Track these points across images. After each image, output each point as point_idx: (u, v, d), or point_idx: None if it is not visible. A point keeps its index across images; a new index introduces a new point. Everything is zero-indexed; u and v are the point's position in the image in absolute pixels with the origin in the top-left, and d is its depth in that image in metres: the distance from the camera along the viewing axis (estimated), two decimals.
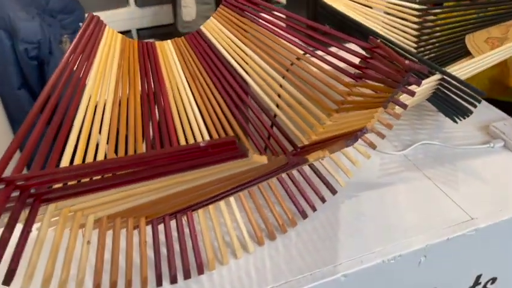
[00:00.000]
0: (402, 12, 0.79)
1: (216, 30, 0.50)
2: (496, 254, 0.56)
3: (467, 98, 0.54)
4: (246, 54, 0.50)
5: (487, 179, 0.57)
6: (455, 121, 0.62)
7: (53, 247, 0.34)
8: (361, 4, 0.77)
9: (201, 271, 0.44)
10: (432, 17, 0.79)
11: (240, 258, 0.47)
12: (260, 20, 0.51)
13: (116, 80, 0.41)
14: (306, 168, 0.54)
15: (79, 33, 0.40)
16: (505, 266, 0.59)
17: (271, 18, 0.50)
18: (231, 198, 0.47)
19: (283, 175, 0.51)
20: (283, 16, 0.53)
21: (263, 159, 0.27)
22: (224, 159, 0.26)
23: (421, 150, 0.63)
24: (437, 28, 0.78)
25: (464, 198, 0.54)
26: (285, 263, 0.46)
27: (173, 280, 0.42)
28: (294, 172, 0.53)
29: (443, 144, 0.63)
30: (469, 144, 0.63)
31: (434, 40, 0.78)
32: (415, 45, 0.79)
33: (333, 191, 0.53)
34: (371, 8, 0.78)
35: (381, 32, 0.75)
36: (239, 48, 0.50)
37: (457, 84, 0.54)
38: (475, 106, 0.54)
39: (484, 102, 0.74)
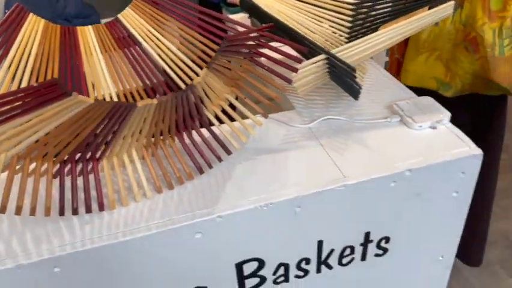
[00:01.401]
0: (336, 6, 0.88)
1: (133, 19, 0.61)
2: (378, 213, 0.64)
3: (349, 75, 0.63)
4: (155, 37, 0.61)
5: (372, 147, 0.65)
6: (355, 98, 0.71)
7: None
8: None
9: (101, 208, 0.55)
10: (364, 10, 0.87)
11: (139, 201, 0.57)
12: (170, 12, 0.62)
13: (36, 55, 0.53)
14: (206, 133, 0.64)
15: (3, 18, 0.52)
16: (394, 226, 0.67)
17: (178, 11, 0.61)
18: (133, 153, 0.58)
19: (185, 138, 0.61)
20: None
21: (89, 100, 0.37)
22: (55, 96, 0.36)
23: (326, 124, 0.71)
24: (368, 19, 0.86)
25: (345, 161, 0.62)
26: (175, 206, 0.56)
27: (75, 212, 0.53)
28: (196, 137, 0.63)
29: (345, 119, 0.71)
30: (370, 119, 0.71)
31: (364, 30, 0.86)
32: (347, 36, 0.87)
33: (228, 152, 0.63)
34: (305, 2, 0.87)
35: (311, 23, 0.83)
36: (151, 34, 0.61)
37: (338, 63, 0.62)
38: (355, 82, 0.63)
39: (399, 84, 0.82)
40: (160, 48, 0.60)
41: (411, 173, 0.61)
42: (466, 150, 0.63)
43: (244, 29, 0.54)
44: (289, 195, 0.57)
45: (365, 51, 0.67)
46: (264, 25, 0.57)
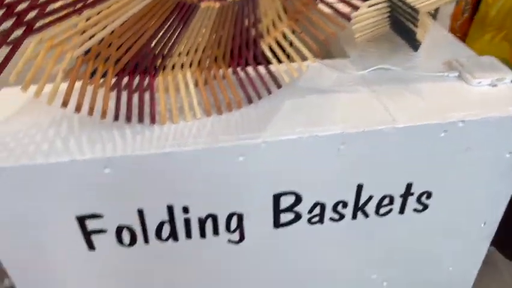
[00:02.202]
0: None
1: None
2: (424, 164, 0.62)
3: (411, 18, 0.61)
4: None
5: (426, 97, 0.63)
6: (415, 49, 0.69)
7: (35, 65, 0.49)
8: None
9: (153, 121, 0.58)
10: None
11: (189, 121, 0.59)
12: None
13: None
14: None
15: None
16: (438, 182, 0.65)
17: None
18: (188, 76, 0.60)
19: (239, 70, 0.62)
20: None
21: None
22: None
23: (379, 73, 0.70)
24: None
25: (396, 107, 0.61)
26: (222, 128, 0.58)
27: (128, 119, 0.56)
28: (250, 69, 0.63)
29: (400, 70, 0.70)
30: (427, 72, 0.69)
31: None
32: None
33: (278, 86, 0.63)
34: None
35: None
36: None
37: (400, 4, 0.61)
38: (416, 26, 0.61)
39: (460, 43, 0.78)
40: None
41: (464, 125, 0.59)
42: None
43: None
44: (335, 130, 0.57)
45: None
46: None
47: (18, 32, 0.47)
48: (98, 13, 0.45)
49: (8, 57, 0.46)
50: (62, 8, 0.46)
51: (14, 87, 0.65)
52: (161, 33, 0.48)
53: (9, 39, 0.46)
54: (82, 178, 0.54)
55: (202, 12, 0.47)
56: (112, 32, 0.47)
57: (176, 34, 0.50)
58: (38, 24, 0.48)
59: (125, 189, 0.56)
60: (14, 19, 0.47)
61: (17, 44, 0.47)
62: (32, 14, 0.47)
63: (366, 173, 0.62)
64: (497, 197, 0.69)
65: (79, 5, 0.43)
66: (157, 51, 0.53)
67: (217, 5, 0.46)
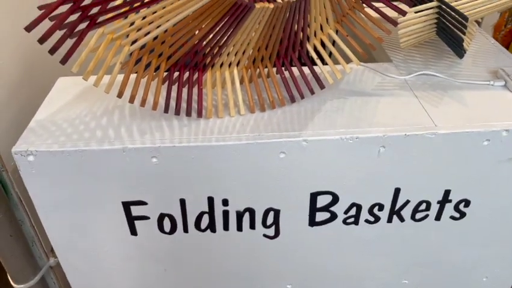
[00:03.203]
0: None
1: None
2: (464, 172, 0.62)
3: (459, 25, 0.61)
4: None
5: (470, 105, 0.63)
6: (460, 56, 0.68)
7: (96, 56, 0.52)
8: None
9: (200, 114, 0.60)
10: None
11: (233, 116, 0.61)
12: None
13: None
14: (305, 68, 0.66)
15: None
16: (478, 190, 0.65)
17: None
18: (235, 73, 0.62)
19: (283, 70, 0.64)
20: None
21: None
22: None
23: (422, 79, 0.70)
24: None
25: (439, 113, 0.61)
26: (264, 125, 0.60)
27: (177, 112, 0.59)
28: (294, 69, 0.65)
29: (444, 77, 0.69)
30: (471, 80, 0.69)
31: None
32: None
33: (322, 86, 0.64)
34: None
35: None
36: None
37: (450, 11, 0.61)
38: (464, 33, 0.61)
39: (507, 52, 0.77)
40: None
41: (508, 134, 0.58)
42: None
43: None
44: (377, 132, 0.58)
45: (479, 6, 0.64)
46: None
47: (82, 26, 0.51)
48: (154, 12, 0.48)
49: (73, 48, 0.49)
50: (121, 5, 0.49)
51: (71, 76, 0.69)
52: (213, 34, 0.51)
53: (74, 31, 0.50)
54: (131, 165, 0.57)
55: (256, 12, 0.49)
56: (166, 30, 0.50)
57: (228, 34, 0.52)
58: (100, 19, 0.51)
59: (170, 179, 0.59)
60: (78, 14, 0.50)
61: (81, 36, 0.50)
62: (94, 10, 0.50)
63: (405, 177, 0.62)
64: None
65: (137, 4, 0.46)
66: (207, 50, 0.55)
67: (271, 6, 0.48)
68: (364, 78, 0.71)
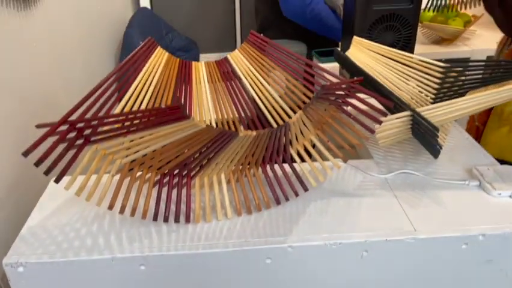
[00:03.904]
0: (426, 67, 0.91)
1: (238, 59, 0.70)
2: (445, 274, 0.64)
3: (432, 134, 0.65)
4: (258, 80, 0.69)
5: (447, 206, 0.66)
6: (435, 156, 0.72)
7: (90, 171, 0.55)
8: (385, 57, 0.91)
9: (187, 220, 0.62)
10: (454, 74, 0.90)
11: (220, 220, 0.63)
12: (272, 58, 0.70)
13: (157, 82, 0.62)
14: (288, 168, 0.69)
15: (137, 49, 0.63)
16: None
17: (281, 57, 0.68)
18: (222, 176, 0.65)
19: (268, 170, 0.67)
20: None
21: (202, 125, 0.44)
22: (176, 118, 0.44)
23: (402, 177, 0.73)
24: (457, 83, 0.88)
25: (418, 216, 0.64)
26: (251, 229, 0.62)
27: (166, 219, 0.61)
28: (278, 170, 0.68)
29: (422, 175, 0.73)
30: (448, 179, 0.72)
31: (451, 93, 0.88)
32: (433, 96, 0.89)
33: (305, 188, 0.67)
34: (395, 60, 0.91)
35: (399, 81, 0.87)
36: (253, 74, 0.69)
37: (422, 122, 0.65)
38: (436, 141, 0.65)
39: (481, 149, 0.82)
40: (259, 89, 0.68)
41: (485, 238, 0.61)
42: None
43: (338, 80, 0.60)
44: (359, 238, 0.60)
45: (450, 114, 0.69)
46: (355, 78, 0.62)
47: (78, 142, 0.54)
48: (142, 137, 0.51)
49: (66, 167, 0.52)
50: (115, 128, 0.52)
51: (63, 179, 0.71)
52: (202, 150, 0.54)
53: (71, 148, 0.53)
54: (120, 273, 0.58)
55: (240, 139, 0.53)
56: (155, 150, 0.53)
57: (214, 153, 0.55)
58: (93, 138, 0.54)
59: (158, 285, 0.60)
60: (75, 133, 0.53)
61: (77, 152, 0.53)
62: (88, 131, 0.54)
63: (388, 279, 0.64)
64: None
65: (128, 129, 0.50)
66: (196, 163, 0.59)
67: (254, 133, 0.52)
68: (346, 176, 0.74)
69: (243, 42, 0.73)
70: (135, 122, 0.48)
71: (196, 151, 0.54)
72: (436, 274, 0.64)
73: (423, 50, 1.66)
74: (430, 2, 1.16)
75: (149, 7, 2.12)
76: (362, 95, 0.61)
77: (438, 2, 1.13)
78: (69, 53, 1.05)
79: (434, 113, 0.68)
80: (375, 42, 0.90)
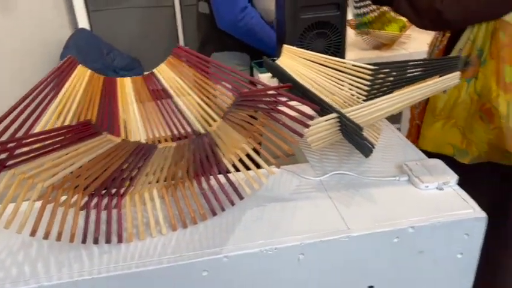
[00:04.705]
0: (356, 71, 0.94)
1: (165, 72, 0.70)
2: (381, 267, 0.65)
3: (358, 134, 0.67)
4: (185, 91, 0.68)
5: (379, 203, 0.68)
6: (366, 156, 0.74)
7: (6, 199, 0.53)
8: (317, 63, 0.93)
9: (120, 240, 0.60)
10: (382, 75, 0.93)
11: (155, 236, 0.62)
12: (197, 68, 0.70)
13: (79, 100, 0.61)
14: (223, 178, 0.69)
15: (55, 68, 0.61)
16: (398, 284, 0.68)
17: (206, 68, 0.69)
18: (154, 192, 0.64)
19: (203, 181, 0.67)
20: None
21: (116, 139, 0.43)
22: (89, 135, 0.43)
23: (336, 178, 0.75)
24: (386, 84, 0.92)
25: (351, 214, 0.66)
26: (186, 243, 0.61)
27: (96, 241, 0.59)
28: (212, 181, 0.68)
29: (355, 175, 0.75)
30: (380, 176, 0.75)
31: (380, 94, 0.91)
32: (365, 98, 0.93)
33: (241, 197, 0.67)
34: (326, 66, 0.94)
35: (332, 86, 0.90)
36: (180, 86, 0.69)
37: (347, 122, 0.67)
38: (365, 141, 0.67)
39: (411, 145, 0.85)
40: (187, 99, 0.68)
41: (414, 230, 0.63)
42: (470, 213, 0.65)
43: (261, 87, 0.60)
44: (294, 241, 0.61)
45: (375, 113, 0.72)
46: (280, 84, 0.63)
47: None
48: (61, 156, 0.50)
49: None
50: (31, 150, 0.50)
51: None
52: (126, 165, 0.53)
53: None
54: None
55: (160, 151, 0.52)
56: (80, 167, 0.51)
57: (137, 168, 0.54)
58: (9, 163, 0.52)
59: None
60: None
61: None
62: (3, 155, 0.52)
63: (327, 279, 0.65)
64: None
65: (45, 147, 0.48)
66: (124, 176, 0.57)
67: (174, 144, 0.52)
68: (283, 181, 0.75)
69: None
70: (49, 142, 0.46)
71: (118, 167, 0.53)
72: (373, 269, 0.65)
73: (365, 55, 1.72)
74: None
75: (88, 28, 2.08)
76: (292, 102, 0.63)
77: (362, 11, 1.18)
78: None
79: (360, 113, 0.71)
80: (307, 49, 0.92)
